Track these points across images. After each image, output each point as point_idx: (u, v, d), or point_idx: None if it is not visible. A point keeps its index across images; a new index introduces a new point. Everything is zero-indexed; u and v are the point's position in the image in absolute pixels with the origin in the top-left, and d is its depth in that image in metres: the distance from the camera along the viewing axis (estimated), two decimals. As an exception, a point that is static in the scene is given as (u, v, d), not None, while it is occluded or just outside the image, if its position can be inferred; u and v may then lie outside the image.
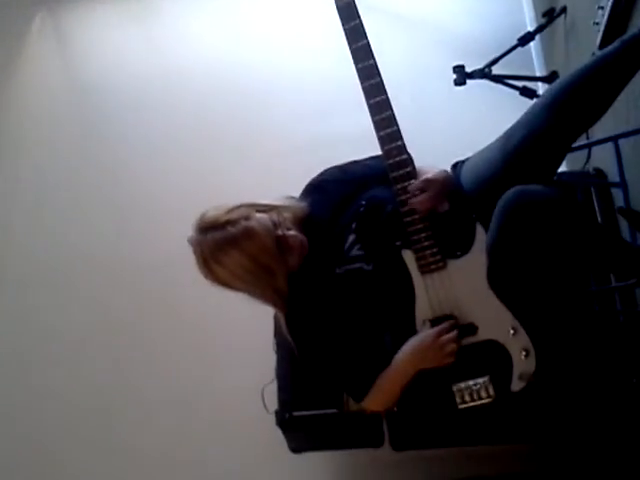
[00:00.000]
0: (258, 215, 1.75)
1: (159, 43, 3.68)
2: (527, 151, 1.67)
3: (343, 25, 1.79)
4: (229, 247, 1.69)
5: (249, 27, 3.68)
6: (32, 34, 3.75)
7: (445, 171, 1.79)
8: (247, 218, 1.72)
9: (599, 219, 2.38)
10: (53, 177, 3.54)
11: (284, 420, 2.35)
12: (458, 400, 1.65)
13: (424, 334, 1.67)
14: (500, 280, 1.60)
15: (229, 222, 1.70)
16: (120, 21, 3.73)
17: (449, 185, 1.75)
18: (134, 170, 3.50)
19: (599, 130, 2.21)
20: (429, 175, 1.72)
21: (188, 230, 1.77)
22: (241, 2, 3.73)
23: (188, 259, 1.77)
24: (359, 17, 1.79)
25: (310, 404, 2.32)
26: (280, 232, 1.74)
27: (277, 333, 2.26)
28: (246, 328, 2.80)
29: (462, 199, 1.75)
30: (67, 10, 3.80)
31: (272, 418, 2.42)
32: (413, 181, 1.69)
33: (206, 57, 3.64)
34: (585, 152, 2.55)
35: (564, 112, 1.65)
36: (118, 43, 3.70)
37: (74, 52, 3.78)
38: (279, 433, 2.43)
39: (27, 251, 3.46)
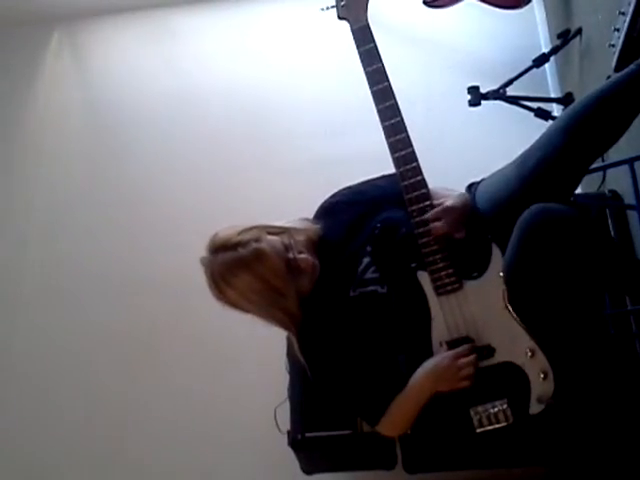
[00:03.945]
0: (269, 237, 1.74)
1: (175, 62, 3.71)
2: (544, 173, 1.67)
3: (358, 48, 1.82)
4: (239, 269, 1.69)
5: (264, 48, 3.70)
6: (50, 51, 3.78)
7: (464, 195, 1.79)
8: (258, 240, 1.72)
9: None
10: (68, 195, 3.54)
11: (296, 441, 2.32)
12: (476, 424, 1.63)
13: (441, 356, 1.65)
14: (518, 300, 1.59)
15: (240, 243, 1.71)
16: (136, 40, 3.77)
17: (467, 212, 1.74)
18: (148, 189, 3.50)
19: (614, 152, 2.20)
20: (448, 203, 1.71)
21: (201, 250, 1.78)
22: (256, 23, 3.77)
23: (201, 279, 1.77)
24: (374, 40, 1.82)
25: (323, 425, 2.30)
26: (291, 255, 1.74)
27: (289, 353, 2.24)
28: (259, 346, 2.78)
29: (478, 220, 1.74)
30: (84, 28, 3.84)
31: (284, 438, 2.41)
32: (428, 203, 1.69)
33: (221, 77, 3.65)
34: (600, 174, 2.54)
35: (581, 135, 1.64)
36: (134, 61, 3.73)
37: (91, 70, 3.81)
38: (291, 454, 2.40)
39: (41, 269, 3.45)
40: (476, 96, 3.01)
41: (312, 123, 3.52)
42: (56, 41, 3.80)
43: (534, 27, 3.52)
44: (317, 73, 3.60)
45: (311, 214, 1.97)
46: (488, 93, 3.02)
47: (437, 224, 1.67)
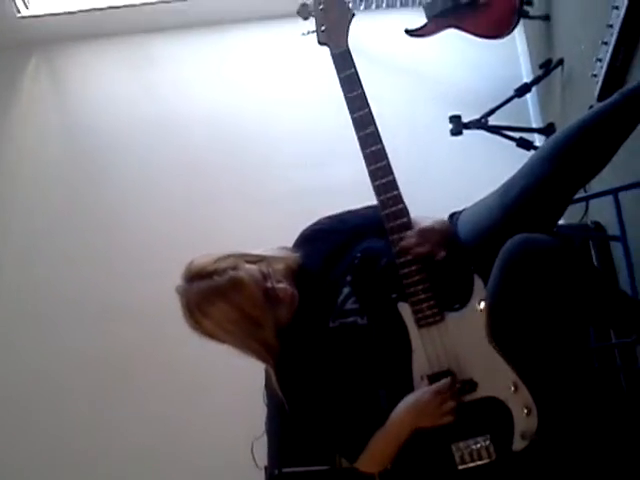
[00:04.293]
0: (247, 266, 1.71)
1: (153, 89, 3.71)
2: (527, 203, 1.64)
3: (338, 74, 1.80)
4: (215, 297, 1.65)
5: (243, 75, 3.71)
6: (27, 75, 3.76)
7: (443, 220, 1.77)
8: (235, 268, 1.68)
9: (597, 272, 2.34)
10: (44, 220, 3.51)
11: (273, 476, 2.27)
12: (457, 460, 1.58)
13: (421, 391, 1.61)
14: (500, 333, 1.55)
15: (216, 272, 1.67)
16: (114, 65, 3.76)
17: (446, 234, 1.71)
18: (125, 216, 3.48)
19: (596, 182, 2.19)
20: (424, 224, 1.69)
21: (178, 277, 1.74)
22: (235, 50, 3.78)
23: (176, 306, 1.73)
24: (354, 66, 1.79)
25: (301, 460, 2.24)
26: (269, 284, 1.70)
27: (268, 386, 2.19)
28: (237, 377, 2.71)
29: (459, 250, 1.71)
30: (62, 53, 3.82)
31: (261, 474, 2.35)
32: (410, 232, 1.66)
33: (199, 104, 3.65)
34: (582, 205, 2.53)
35: (564, 164, 1.63)
36: (112, 87, 3.71)
37: (69, 95, 3.80)
38: (269, 489, 2.35)
39: (17, 294, 3.41)
40: (458, 125, 3.02)
41: (291, 153, 3.52)
42: (34, 66, 3.78)
43: (516, 57, 3.56)
44: (297, 101, 3.62)
45: (289, 244, 1.94)
46: (470, 122, 3.03)
47: (411, 241, 1.64)
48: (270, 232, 2.21)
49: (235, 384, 2.90)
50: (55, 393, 3.21)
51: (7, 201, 3.56)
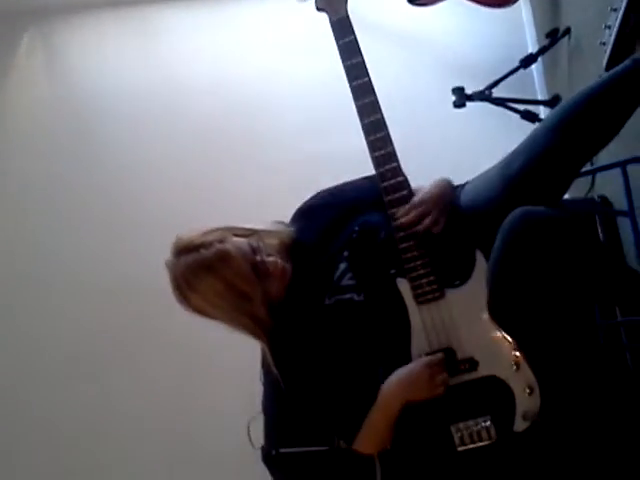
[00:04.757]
0: (235, 239, 1.68)
1: (155, 57, 3.64)
2: (530, 175, 1.60)
3: (337, 41, 1.75)
4: (202, 271, 1.62)
5: (247, 45, 3.64)
6: (23, 47, 3.67)
7: (442, 182, 1.71)
8: (222, 241, 1.65)
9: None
10: (42, 193, 3.45)
11: (270, 457, 2.23)
12: (457, 441, 1.54)
13: (413, 364, 1.58)
14: (502, 309, 1.51)
15: (203, 245, 1.65)
16: (115, 35, 3.67)
17: (446, 197, 1.67)
18: (128, 187, 3.42)
19: (603, 155, 2.13)
20: (422, 193, 1.64)
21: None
22: (240, 18, 3.70)
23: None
24: (353, 33, 1.75)
25: (298, 440, 2.20)
26: (259, 258, 1.67)
27: (263, 364, 2.15)
28: (232, 356, 2.69)
29: (460, 224, 1.66)
30: (59, 23, 3.72)
31: (258, 454, 2.31)
32: (407, 206, 1.62)
33: (202, 74, 3.58)
34: (588, 179, 2.47)
35: (571, 134, 1.58)
36: (113, 57, 3.63)
37: (66, 66, 3.71)
38: (265, 470, 2.31)
39: (10, 268, 3.36)
40: (461, 97, 2.98)
41: (296, 121, 3.46)
42: (29, 38, 3.68)
43: (521, 27, 3.50)
44: (300, 70, 3.55)
45: (294, 212, 1.90)
46: (473, 94, 2.99)
47: (410, 217, 1.60)
48: (275, 200, 2.18)
49: (230, 364, 2.86)
50: (50, 366, 3.18)
51: (3, 176, 3.49)
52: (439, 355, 1.56)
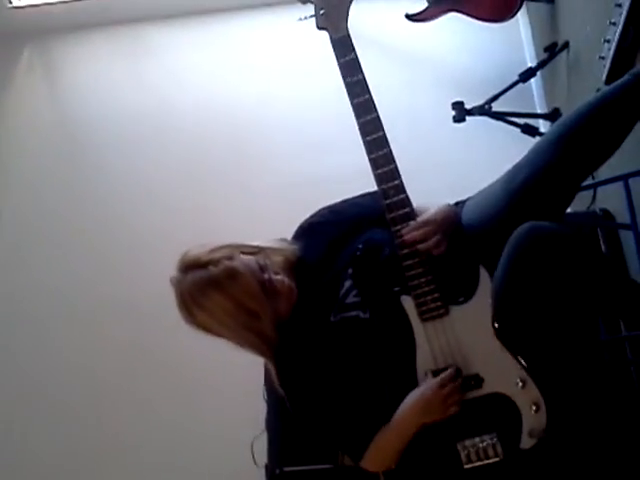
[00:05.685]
0: (243, 256, 1.67)
1: (149, 78, 3.64)
2: (532, 190, 1.60)
3: (338, 59, 1.75)
4: (210, 288, 1.61)
5: (240, 65, 3.64)
6: (20, 65, 3.69)
7: (446, 207, 1.70)
8: (230, 258, 1.64)
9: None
10: (36, 215, 3.45)
11: (274, 475, 2.22)
12: (464, 459, 1.53)
13: (425, 386, 1.56)
14: (507, 326, 1.50)
15: (211, 262, 1.63)
16: (109, 55, 3.69)
17: (450, 222, 1.66)
18: (120, 209, 3.42)
19: (604, 169, 2.13)
20: (426, 215, 1.63)
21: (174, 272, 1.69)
22: (234, 38, 3.70)
23: (173, 302, 1.68)
24: (354, 51, 1.75)
25: (302, 458, 2.19)
26: (266, 276, 1.66)
27: (267, 382, 2.14)
28: (236, 374, 2.68)
29: (464, 241, 1.66)
30: (56, 43, 3.74)
31: (262, 472, 2.30)
32: (412, 223, 1.61)
33: (195, 94, 3.59)
34: (589, 192, 2.48)
35: (573, 148, 1.58)
36: (107, 77, 3.65)
37: (62, 86, 3.74)
38: (269, 489, 2.30)
39: (5, 292, 3.35)
40: (461, 112, 2.98)
41: (290, 142, 3.46)
42: (26, 57, 3.71)
43: (519, 41, 3.51)
44: (296, 90, 3.55)
45: (289, 235, 1.89)
46: (473, 109, 2.99)
47: (414, 235, 1.59)
48: (269, 223, 2.16)
49: (234, 382, 2.87)
50: (44, 391, 3.18)
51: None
52: (449, 372, 1.55)
